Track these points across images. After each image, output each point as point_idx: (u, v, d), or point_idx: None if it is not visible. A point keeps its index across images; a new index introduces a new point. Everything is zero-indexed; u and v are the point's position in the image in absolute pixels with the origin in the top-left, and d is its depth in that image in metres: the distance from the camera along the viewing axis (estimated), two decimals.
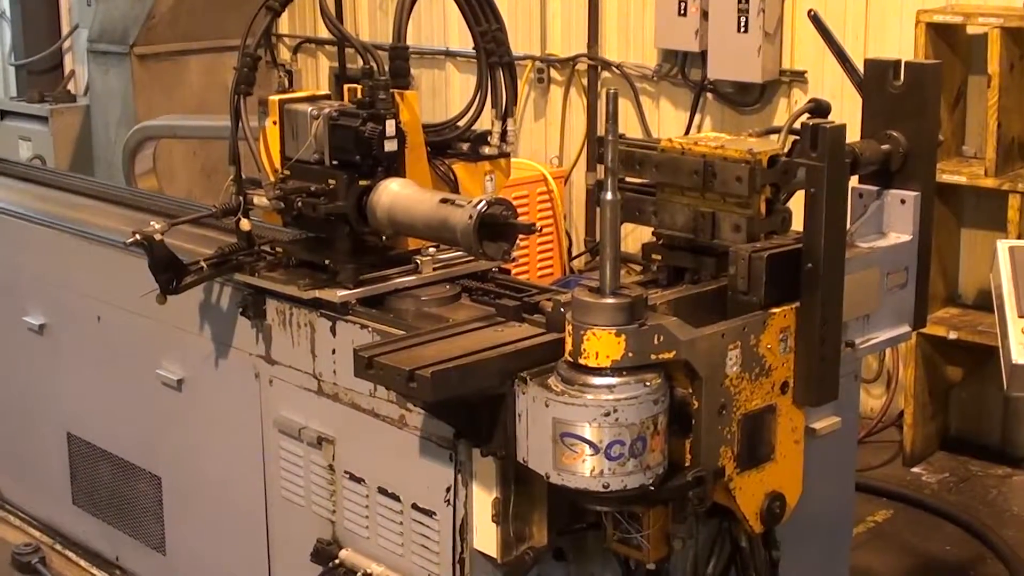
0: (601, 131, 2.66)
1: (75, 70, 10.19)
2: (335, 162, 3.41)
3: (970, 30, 5.98)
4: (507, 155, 3.88)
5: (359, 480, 3.36)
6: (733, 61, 6.77)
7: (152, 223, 3.51)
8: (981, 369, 6.19)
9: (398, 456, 3.21)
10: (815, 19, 3.51)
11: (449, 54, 8.22)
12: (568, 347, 2.64)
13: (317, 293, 3.40)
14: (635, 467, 2.62)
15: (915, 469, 6.19)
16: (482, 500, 3.00)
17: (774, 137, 3.07)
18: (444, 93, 8.29)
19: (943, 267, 6.16)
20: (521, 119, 7.79)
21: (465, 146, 3.83)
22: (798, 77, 6.75)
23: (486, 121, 3.80)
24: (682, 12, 6.92)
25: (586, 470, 2.62)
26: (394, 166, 3.41)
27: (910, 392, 6.15)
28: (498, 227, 3.15)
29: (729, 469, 2.80)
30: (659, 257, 3.19)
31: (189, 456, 4.02)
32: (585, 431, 2.60)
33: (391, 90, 3.39)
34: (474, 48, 3.78)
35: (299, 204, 3.41)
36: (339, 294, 3.36)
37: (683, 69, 7.22)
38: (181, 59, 8.57)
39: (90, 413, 4.44)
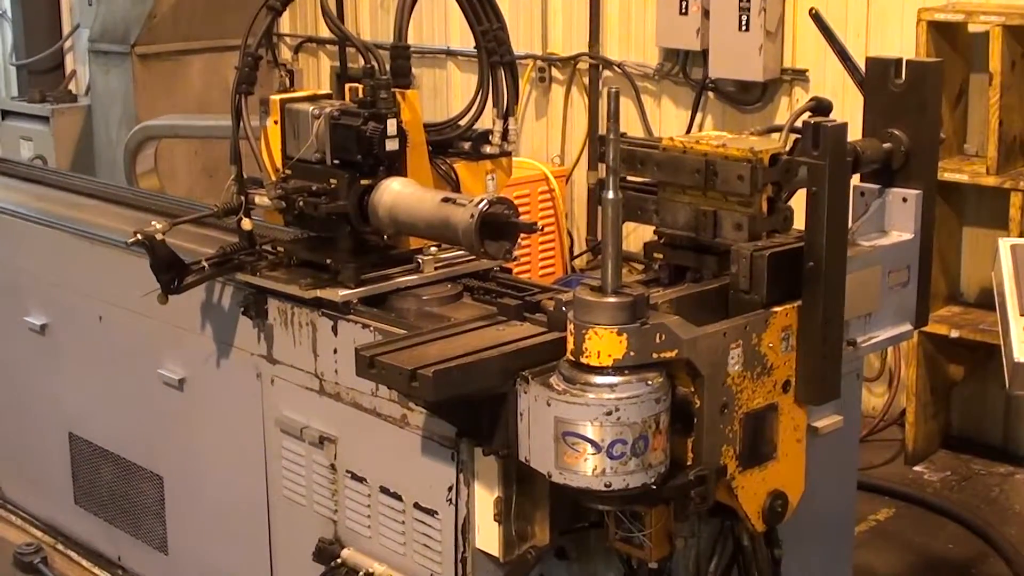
0: (603, 130, 2.66)
1: (76, 70, 10.19)
2: (336, 161, 3.41)
3: (971, 28, 5.97)
4: (508, 154, 3.88)
5: (361, 479, 3.36)
6: (734, 60, 6.77)
7: (153, 223, 3.52)
8: (983, 368, 6.18)
9: (400, 455, 3.21)
10: (816, 18, 3.51)
11: (450, 53, 8.22)
12: (570, 346, 2.64)
13: (319, 292, 3.40)
14: (637, 466, 2.62)
15: (917, 468, 6.19)
16: (484, 499, 3.00)
17: (776, 136, 3.06)
18: (445, 92, 8.29)
19: (945, 265, 6.16)
20: (522, 118, 7.78)
21: (466, 145, 3.83)
22: (799, 76, 6.75)
23: (487, 120, 3.80)
24: (683, 11, 6.91)
25: (588, 469, 2.62)
26: (395, 165, 3.42)
27: (912, 391, 6.14)
28: (500, 226, 3.15)
29: (731, 468, 2.80)
30: (661, 256, 3.19)
31: (191, 456, 4.02)
32: (587, 430, 2.60)
33: (392, 89, 3.39)
34: (475, 47, 3.78)
35: (300, 203, 3.41)
36: (340, 293, 3.36)
37: (684, 68, 7.21)
38: (182, 59, 8.57)
39: (92, 413, 4.44)
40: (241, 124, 3.53)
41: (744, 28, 6.65)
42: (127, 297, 4.04)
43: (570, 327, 2.64)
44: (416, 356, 2.81)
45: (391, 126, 3.36)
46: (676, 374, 2.72)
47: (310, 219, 3.46)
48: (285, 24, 9.11)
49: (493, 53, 3.75)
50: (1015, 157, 5.89)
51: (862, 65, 3.29)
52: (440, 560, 3.15)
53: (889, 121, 3.19)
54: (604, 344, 2.59)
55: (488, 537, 3.01)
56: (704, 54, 6.95)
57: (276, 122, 3.54)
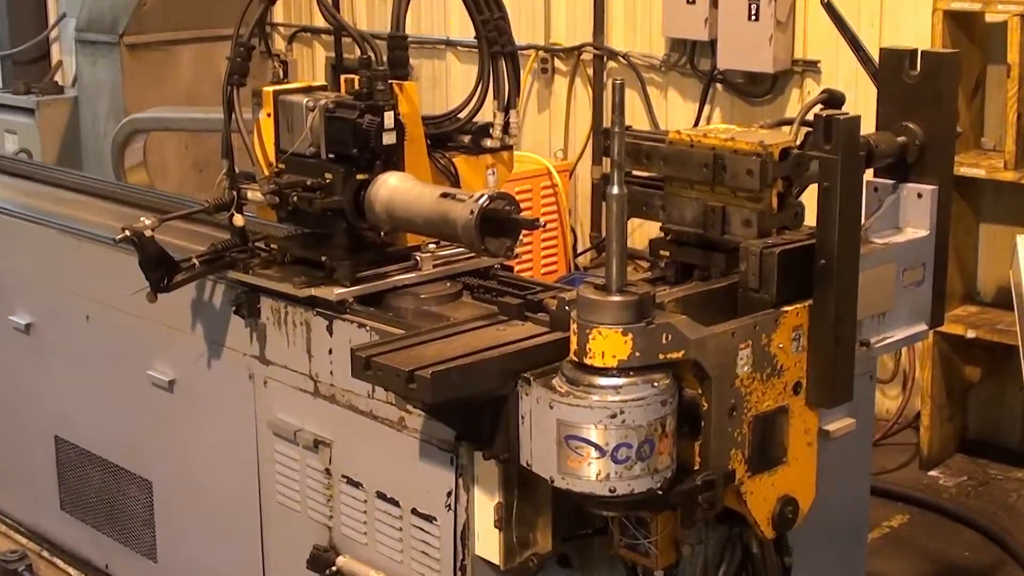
0: (607, 123, 2.66)
1: (62, 60, 10.19)
2: (331, 155, 3.41)
3: (989, 18, 5.97)
4: (510, 148, 3.87)
5: (357, 484, 3.36)
6: (744, 50, 6.76)
7: (142, 219, 3.51)
8: (1000, 369, 6.18)
9: (397, 460, 3.21)
10: (829, 7, 3.51)
11: (450, 43, 8.21)
12: (573, 347, 2.64)
13: (313, 291, 3.40)
14: (642, 470, 2.62)
15: (932, 472, 6.19)
16: (484, 505, 3.00)
17: (786, 129, 3.07)
18: (444, 84, 8.29)
19: (961, 263, 6.16)
20: (524, 111, 7.78)
21: (466, 139, 3.82)
22: (811, 67, 6.75)
23: (488, 113, 3.80)
24: (691, 0, 6.92)
25: (592, 474, 2.62)
26: (393, 159, 3.42)
27: (927, 393, 6.14)
28: (500, 222, 3.15)
29: (740, 472, 2.80)
30: (667, 253, 3.19)
31: (181, 460, 4.03)
32: (590, 433, 2.60)
33: (389, 81, 3.39)
34: (475, 37, 3.78)
35: (294, 199, 3.41)
36: (336, 292, 3.37)
37: (692, 59, 7.21)
38: (172, 49, 8.57)
39: (79, 416, 4.44)
40: (233, 117, 3.53)
41: (754, 17, 6.65)
42: (115, 296, 4.04)
43: (573, 327, 2.64)
44: (414, 357, 2.81)
45: (388, 119, 3.36)
46: (683, 375, 2.72)
47: (304, 215, 3.46)
48: (279, 13, 9.11)
49: (494, 43, 3.75)
50: None
51: (876, 56, 3.29)
52: (439, 568, 3.15)
53: (904, 114, 3.19)
54: (608, 344, 2.59)
55: (488, 544, 3.01)
56: (712, 44, 6.95)
57: (269, 115, 3.54)
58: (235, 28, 3.55)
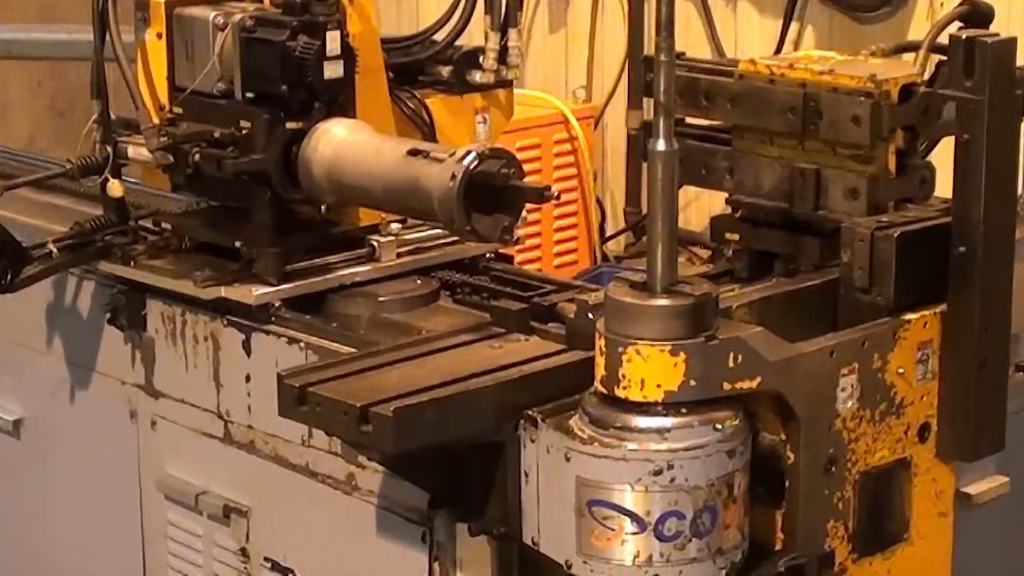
0: (649, 49, 2.66)
1: None
2: (250, 95, 3.41)
3: None
4: (509, 84, 3.89)
5: (286, 571, 3.37)
6: None
7: None
8: None
9: (345, 535, 3.22)
10: None
11: None
12: (600, 372, 2.65)
13: (223, 291, 3.41)
14: (700, 551, 2.63)
15: None
16: None
17: (908, 58, 3.07)
18: None
19: None
20: (529, 31, 7.80)
21: (445, 71, 3.83)
22: None
23: (477, 35, 3.81)
24: None
25: (627, 556, 2.63)
26: (339, 101, 3.42)
27: None
28: (494, 192, 3.16)
29: (841, 554, 2.81)
30: (736, 237, 3.20)
31: (32, 534, 4.03)
32: (625, 498, 2.61)
33: None
34: None
35: (196, 158, 3.41)
36: (256, 292, 3.37)
37: None
38: None
39: None
40: (107, 38, 3.54)
41: None
42: None
43: (600, 344, 2.64)
44: (369, 387, 2.82)
45: (332, 41, 3.36)
46: (759, 414, 2.73)
47: (211, 181, 3.47)
48: None
49: None
50: None
51: None
52: None
53: None
54: (651, 369, 2.59)
55: None
56: None
57: (160, 35, 3.55)
58: None
